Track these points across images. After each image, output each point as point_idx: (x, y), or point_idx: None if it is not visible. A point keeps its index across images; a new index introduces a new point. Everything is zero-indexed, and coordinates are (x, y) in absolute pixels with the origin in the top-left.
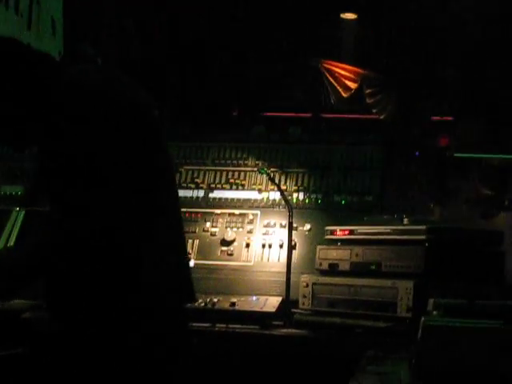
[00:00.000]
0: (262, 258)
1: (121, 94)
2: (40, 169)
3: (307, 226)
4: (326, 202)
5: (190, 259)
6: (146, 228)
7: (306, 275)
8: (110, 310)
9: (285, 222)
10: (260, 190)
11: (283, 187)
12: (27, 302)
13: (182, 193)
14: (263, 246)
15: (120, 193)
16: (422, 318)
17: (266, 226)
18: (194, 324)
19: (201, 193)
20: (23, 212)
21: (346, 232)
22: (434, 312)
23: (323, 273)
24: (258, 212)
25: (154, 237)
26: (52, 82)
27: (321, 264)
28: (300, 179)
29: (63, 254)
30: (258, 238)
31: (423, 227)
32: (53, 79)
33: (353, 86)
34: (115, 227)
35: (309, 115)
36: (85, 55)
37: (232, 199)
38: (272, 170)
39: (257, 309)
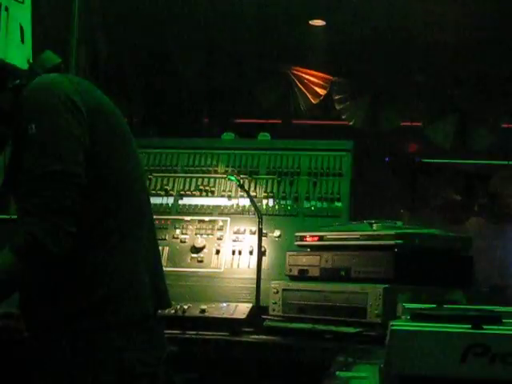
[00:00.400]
0: (232, 265)
1: (87, 98)
2: (6, 175)
3: (277, 233)
4: (296, 208)
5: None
6: (110, 235)
7: (276, 281)
8: (72, 318)
9: (255, 228)
10: (230, 197)
11: (253, 194)
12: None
13: (151, 200)
14: (233, 252)
15: (86, 198)
16: (390, 323)
17: (235, 233)
18: (165, 331)
19: (170, 200)
20: None
21: (316, 238)
22: (403, 317)
23: (293, 279)
24: (228, 219)
25: (128, 243)
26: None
27: (291, 270)
28: (269, 185)
29: (27, 261)
30: (227, 244)
31: (392, 232)
32: (23, 87)
33: (322, 92)
34: (77, 233)
35: (278, 121)
36: (49, 63)
37: (202, 206)
38: (241, 176)
39: (227, 315)
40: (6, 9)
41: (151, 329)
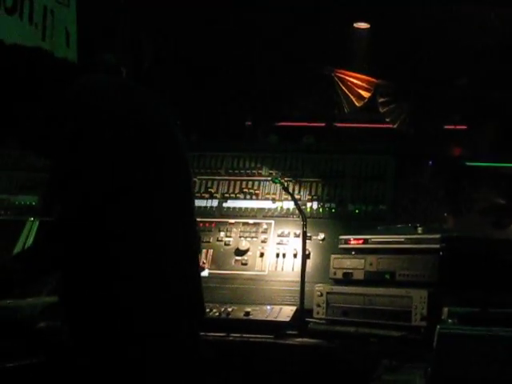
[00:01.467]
0: (276, 268)
1: (125, 103)
2: (51, 177)
3: (321, 236)
4: (340, 211)
5: (203, 269)
6: (148, 241)
7: (320, 284)
8: (114, 321)
9: (299, 231)
10: (274, 200)
11: (297, 196)
12: (43, 303)
13: (195, 202)
14: (277, 255)
15: (127, 203)
16: (438, 326)
17: (280, 236)
18: (209, 334)
19: (215, 202)
20: (37, 222)
21: (360, 241)
22: (449, 320)
23: (337, 282)
24: (272, 221)
25: (161, 247)
26: (68, 87)
27: (335, 273)
28: (314, 188)
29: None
30: (272, 247)
31: (437, 236)
32: (69, 85)
33: (366, 95)
34: (117, 238)
35: (322, 124)
36: (105, 65)
37: (246, 209)
38: (286, 179)
39: (271, 318)
40: (52, 12)
41: (182, 341)
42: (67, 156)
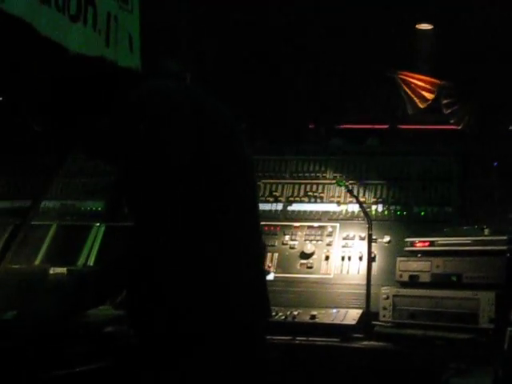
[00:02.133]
0: (341, 271)
1: (199, 113)
2: (118, 183)
3: (386, 238)
4: (406, 214)
5: (268, 272)
6: (219, 245)
7: (386, 287)
8: (183, 325)
9: (364, 234)
10: (339, 203)
11: (362, 199)
12: (109, 314)
13: (260, 206)
14: (342, 258)
15: (195, 207)
16: (509, 328)
17: (345, 239)
18: (275, 337)
19: (279, 206)
20: (103, 227)
21: (426, 243)
22: None
23: (403, 285)
24: (337, 224)
25: (227, 252)
26: (132, 93)
27: (401, 276)
28: (379, 191)
29: (141, 270)
30: (337, 250)
31: (504, 238)
32: (134, 91)
33: (429, 96)
34: (190, 244)
35: (386, 126)
36: (168, 71)
37: (311, 212)
38: (350, 182)
39: (337, 321)
40: (116, 18)
41: (247, 340)
42: (139, 164)
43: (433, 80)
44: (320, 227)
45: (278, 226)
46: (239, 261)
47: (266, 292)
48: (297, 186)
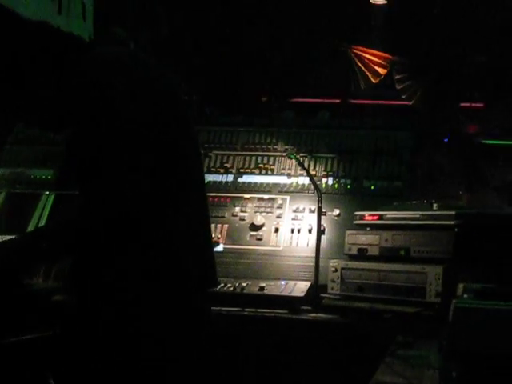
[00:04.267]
0: (290, 243)
1: (147, 76)
2: (67, 152)
3: (336, 211)
4: (355, 187)
5: (217, 244)
6: (166, 213)
7: (334, 260)
8: (126, 292)
9: (314, 207)
10: (289, 175)
11: (312, 172)
12: (56, 283)
13: (211, 177)
14: (292, 230)
15: (143, 175)
16: (453, 301)
17: (295, 211)
18: (223, 308)
19: (230, 177)
20: (53, 196)
21: (376, 217)
22: (465, 295)
23: (352, 258)
24: (287, 197)
25: (175, 221)
26: (81, 61)
27: (350, 249)
28: (329, 164)
29: (85, 236)
30: (286, 222)
31: (452, 212)
32: (82, 58)
33: (382, 71)
34: (136, 212)
35: (338, 101)
36: (115, 38)
37: (261, 184)
38: (301, 155)
39: (285, 293)
40: None
41: (193, 306)
42: (94, 130)
43: (386, 55)
44: (270, 199)
45: (228, 197)
46: (191, 228)
47: (213, 261)
48: (248, 158)
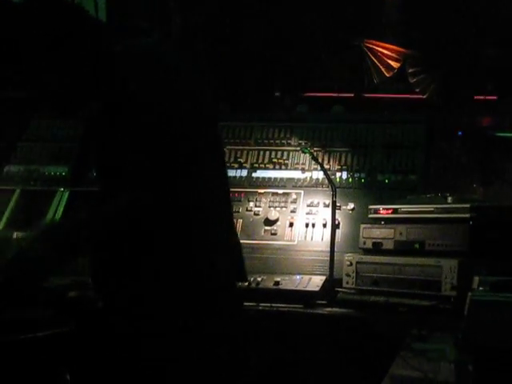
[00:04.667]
0: (305, 238)
1: (185, 73)
2: (82, 145)
3: (351, 205)
4: (370, 181)
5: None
6: (201, 207)
7: (349, 254)
8: (157, 289)
9: (328, 201)
10: (303, 170)
11: (326, 166)
12: (73, 280)
13: None
14: (306, 225)
15: (180, 169)
16: (469, 294)
17: (309, 206)
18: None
19: (244, 172)
20: (67, 192)
21: (390, 211)
22: (480, 288)
23: (367, 252)
24: (302, 191)
25: (210, 216)
26: (116, 50)
27: (364, 243)
28: (343, 158)
29: (112, 231)
30: (301, 217)
31: (467, 206)
32: (117, 47)
33: (395, 65)
34: (173, 205)
35: (351, 95)
36: (138, 30)
37: (275, 179)
38: (315, 149)
39: (300, 288)
40: None
41: (232, 299)
42: (137, 127)
43: (399, 49)
44: (284, 194)
45: (242, 192)
46: (222, 224)
47: (242, 257)
48: (262, 153)
